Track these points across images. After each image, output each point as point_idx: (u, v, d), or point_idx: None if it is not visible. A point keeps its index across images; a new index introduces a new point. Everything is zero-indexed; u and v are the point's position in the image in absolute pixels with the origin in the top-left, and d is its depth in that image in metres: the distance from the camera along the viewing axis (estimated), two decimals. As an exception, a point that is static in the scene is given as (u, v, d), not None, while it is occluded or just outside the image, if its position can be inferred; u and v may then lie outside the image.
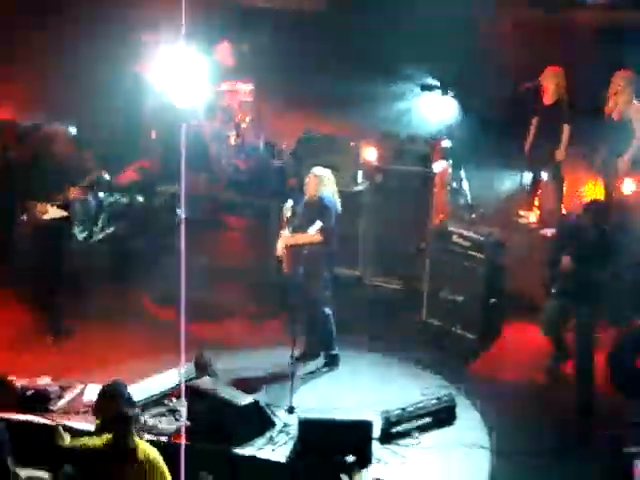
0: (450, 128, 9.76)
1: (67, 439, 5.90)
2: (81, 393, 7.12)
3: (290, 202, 7.61)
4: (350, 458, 5.96)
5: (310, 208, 7.51)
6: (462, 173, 9.86)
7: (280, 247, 7.53)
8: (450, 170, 9.44)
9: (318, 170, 7.58)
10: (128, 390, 5.99)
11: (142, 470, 5.45)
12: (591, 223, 7.07)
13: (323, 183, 7.49)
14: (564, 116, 9.31)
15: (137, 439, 5.61)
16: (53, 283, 8.11)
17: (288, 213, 7.55)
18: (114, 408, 5.69)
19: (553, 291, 7.25)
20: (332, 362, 7.68)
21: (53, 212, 7.99)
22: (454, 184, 9.68)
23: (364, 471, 5.90)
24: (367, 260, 9.02)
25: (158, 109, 10.32)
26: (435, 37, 10.09)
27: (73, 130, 9.62)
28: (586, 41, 10.06)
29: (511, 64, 10.15)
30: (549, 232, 8.84)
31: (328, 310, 7.60)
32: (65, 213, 8.05)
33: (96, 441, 5.65)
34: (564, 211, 9.44)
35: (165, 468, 5.58)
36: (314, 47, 10.86)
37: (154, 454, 5.60)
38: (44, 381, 7.15)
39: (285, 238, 7.52)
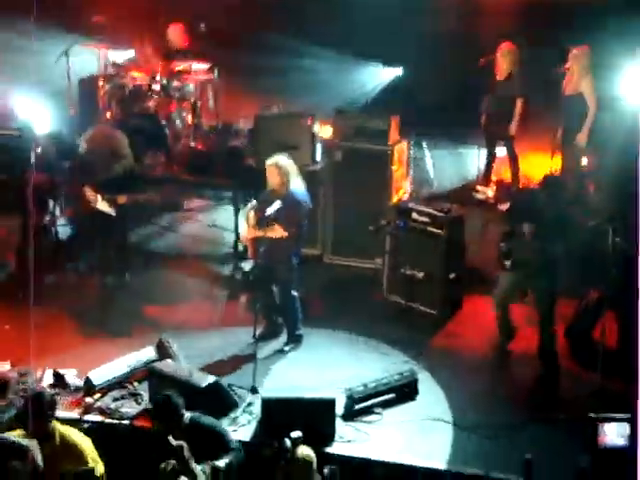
0: (407, 103, 9.79)
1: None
2: (40, 379, 7.05)
3: (254, 202, 7.44)
4: (295, 434, 5.90)
5: (277, 200, 7.18)
6: (425, 149, 9.91)
7: (246, 237, 7.41)
8: (410, 146, 9.48)
9: (279, 160, 7.26)
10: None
11: (56, 451, 5.49)
12: (547, 198, 7.11)
13: (288, 173, 7.22)
14: (517, 91, 9.38)
15: (54, 422, 5.62)
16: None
17: (252, 214, 7.34)
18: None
19: (507, 264, 7.30)
20: (295, 341, 7.68)
21: (102, 205, 8.24)
22: (415, 159, 9.73)
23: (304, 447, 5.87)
24: (326, 238, 9.02)
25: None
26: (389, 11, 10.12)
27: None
28: (540, 16, 10.10)
29: (465, 39, 10.16)
30: (505, 207, 8.90)
31: (295, 292, 7.57)
32: (111, 212, 8.26)
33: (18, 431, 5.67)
34: (520, 185, 9.53)
35: (85, 450, 5.58)
36: (271, 24, 10.79)
37: (72, 436, 5.63)
38: (3, 367, 7.06)
39: (251, 231, 7.36)
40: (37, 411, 5.55)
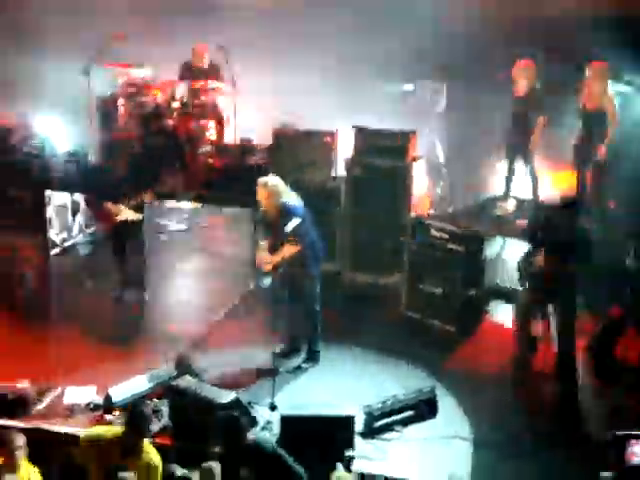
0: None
1: None
2: (60, 396, 7.07)
3: (262, 243, 7.47)
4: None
5: (274, 218, 7.34)
6: (443, 165, 9.92)
7: (267, 269, 7.41)
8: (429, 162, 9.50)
9: (266, 180, 7.37)
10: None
11: (142, 471, 5.60)
12: (565, 216, 7.07)
13: (276, 192, 7.30)
14: (536, 107, 9.36)
15: (146, 441, 5.77)
16: None
17: (262, 242, 7.43)
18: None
19: (524, 280, 7.26)
20: (313, 358, 7.67)
21: (126, 214, 8.26)
22: (435, 175, 9.74)
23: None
24: (345, 254, 9.01)
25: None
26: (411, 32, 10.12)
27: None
28: (559, 31, 10.08)
29: (482, 54, 10.15)
30: (523, 223, 8.89)
31: (318, 306, 7.58)
32: (139, 217, 8.27)
33: (107, 432, 5.81)
34: (540, 200, 9.51)
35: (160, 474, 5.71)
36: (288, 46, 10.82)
37: (157, 460, 5.75)
38: (22, 385, 7.09)
39: (269, 263, 7.35)
40: (139, 427, 5.71)
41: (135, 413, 5.81)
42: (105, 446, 5.72)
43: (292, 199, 7.39)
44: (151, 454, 5.77)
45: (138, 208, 8.31)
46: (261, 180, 7.40)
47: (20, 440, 5.67)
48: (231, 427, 5.80)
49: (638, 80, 9.37)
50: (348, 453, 6.06)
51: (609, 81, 9.04)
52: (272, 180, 7.39)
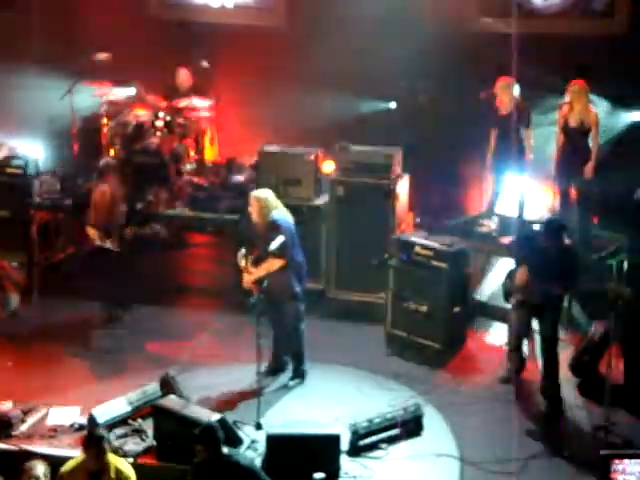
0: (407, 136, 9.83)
1: None
2: (44, 417, 7.03)
3: (243, 251, 7.48)
4: (318, 475, 5.95)
5: (262, 232, 7.40)
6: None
7: (247, 283, 7.43)
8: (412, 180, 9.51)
9: (258, 193, 7.45)
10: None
11: None
12: (550, 241, 7.10)
13: (267, 206, 7.37)
14: (523, 122, 9.36)
15: (110, 457, 5.77)
16: None
17: (242, 262, 7.43)
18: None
19: (512, 302, 7.30)
20: (299, 376, 7.66)
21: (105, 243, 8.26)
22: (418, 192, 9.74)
23: None
24: (330, 273, 9.03)
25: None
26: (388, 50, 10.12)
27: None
28: (539, 49, 10.13)
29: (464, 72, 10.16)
30: (507, 241, 8.93)
31: (302, 325, 7.58)
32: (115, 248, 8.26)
33: (66, 467, 5.82)
34: (525, 218, 9.53)
35: None
36: (272, 63, 10.81)
37: (127, 472, 5.76)
38: (6, 406, 7.04)
39: (250, 276, 7.39)
40: (96, 449, 5.71)
41: (91, 439, 5.81)
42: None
43: (283, 215, 7.44)
44: (119, 465, 5.78)
45: (117, 240, 8.29)
46: (253, 193, 7.49)
47: (40, 469, 5.64)
48: (207, 435, 5.79)
49: (601, 101, 9.46)
50: (317, 476, 6.06)
51: (587, 99, 9.09)
52: (263, 194, 7.46)
